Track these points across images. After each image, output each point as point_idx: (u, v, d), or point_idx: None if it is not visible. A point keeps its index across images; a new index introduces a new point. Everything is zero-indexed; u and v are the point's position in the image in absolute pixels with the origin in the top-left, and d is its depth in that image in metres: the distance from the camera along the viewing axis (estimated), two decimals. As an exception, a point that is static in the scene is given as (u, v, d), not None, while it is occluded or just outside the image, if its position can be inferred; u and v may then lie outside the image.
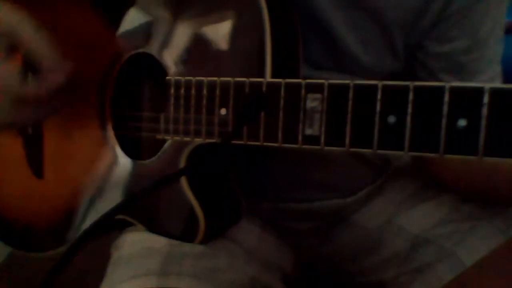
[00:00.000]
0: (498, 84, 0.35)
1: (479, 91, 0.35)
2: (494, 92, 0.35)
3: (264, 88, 0.43)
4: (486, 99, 0.35)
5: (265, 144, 0.44)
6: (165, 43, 0.51)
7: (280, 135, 0.43)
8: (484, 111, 0.35)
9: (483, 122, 0.35)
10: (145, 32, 0.52)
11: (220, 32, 0.47)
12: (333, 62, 0.54)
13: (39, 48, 0.47)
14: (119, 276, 0.50)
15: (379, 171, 0.65)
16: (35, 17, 0.47)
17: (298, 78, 0.48)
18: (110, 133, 0.56)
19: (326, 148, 0.41)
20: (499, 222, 0.56)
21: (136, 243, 0.54)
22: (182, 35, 0.49)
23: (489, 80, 0.57)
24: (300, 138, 0.42)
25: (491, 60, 0.56)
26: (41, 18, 0.48)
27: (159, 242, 0.52)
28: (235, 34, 0.47)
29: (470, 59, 0.55)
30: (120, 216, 0.55)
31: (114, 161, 0.55)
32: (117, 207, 0.54)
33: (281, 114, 0.43)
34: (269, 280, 0.58)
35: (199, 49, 0.48)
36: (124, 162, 0.55)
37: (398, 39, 0.53)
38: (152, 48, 0.51)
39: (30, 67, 0.48)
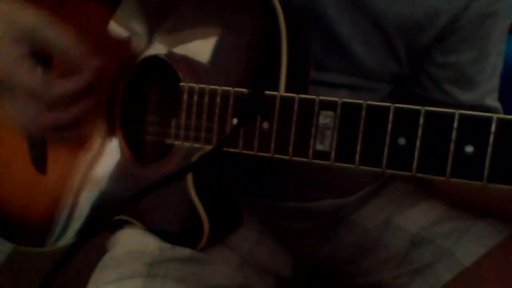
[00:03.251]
0: (505, 115, 0.37)
1: (487, 120, 0.37)
2: (501, 121, 0.36)
3: (277, 102, 0.45)
4: (493, 128, 0.36)
5: (275, 156, 0.45)
6: (179, 50, 0.52)
7: (291, 148, 0.44)
8: (491, 139, 0.37)
9: (489, 150, 0.37)
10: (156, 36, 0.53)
11: (233, 44, 0.48)
12: (335, 63, 0.55)
13: (67, 47, 0.46)
14: (106, 277, 0.50)
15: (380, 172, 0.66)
16: (52, 16, 0.47)
17: (307, 91, 0.50)
18: (118, 134, 0.56)
19: (336, 164, 0.42)
20: (496, 220, 0.57)
21: (129, 244, 0.54)
22: (196, 44, 0.50)
23: (489, 91, 0.59)
24: (310, 152, 0.44)
25: (492, 72, 0.58)
26: (57, 17, 0.48)
27: (151, 245, 0.53)
28: (249, 48, 0.48)
29: (475, 70, 0.56)
30: (123, 217, 0.56)
31: (121, 162, 0.56)
32: (118, 206, 0.55)
33: (293, 128, 0.44)
34: (261, 287, 0.59)
35: (211, 59, 0.49)
36: (130, 164, 0.56)
37: (400, 46, 0.54)
38: (167, 54, 0.52)
39: (52, 67, 0.48)
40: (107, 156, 0.57)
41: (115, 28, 0.56)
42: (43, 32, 0.46)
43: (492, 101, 0.59)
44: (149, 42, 0.53)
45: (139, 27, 0.54)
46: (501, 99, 0.60)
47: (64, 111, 0.48)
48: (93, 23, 0.57)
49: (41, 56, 0.47)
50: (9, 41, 0.45)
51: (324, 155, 0.43)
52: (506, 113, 0.59)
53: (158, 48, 0.53)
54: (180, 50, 0.51)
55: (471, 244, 0.55)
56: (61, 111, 0.48)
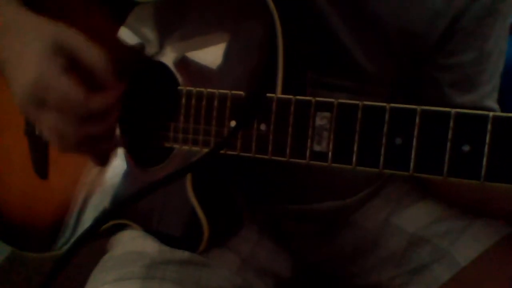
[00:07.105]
0: (501, 113, 0.36)
1: (483, 118, 0.37)
2: (497, 120, 0.36)
3: (274, 104, 0.45)
4: (489, 126, 0.36)
5: (273, 158, 0.45)
6: (178, 54, 0.52)
7: (288, 150, 0.44)
8: (488, 137, 0.36)
9: (486, 148, 0.36)
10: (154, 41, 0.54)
11: (230, 47, 0.49)
12: (335, 68, 0.55)
13: (98, 62, 0.46)
14: (104, 277, 0.50)
15: (378, 173, 0.66)
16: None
17: (305, 92, 0.50)
18: (118, 138, 0.57)
19: (333, 165, 0.42)
20: (493, 220, 0.57)
21: (129, 245, 0.54)
22: (191, 48, 0.51)
23: (489, 92, 0.58)
24: (308, 154, 0.44)
25: (494, 72, 0.58)
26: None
27: (151, 247, 0.53)
28: (246, 50, 0.48)
29: (476, 71, 0.56)
30: (123, 221, 0.56)
31: (120, 166, 0.56)
32: (117, 206, 0.56)
33: (290, 130, 0.44)
34: None
35: (209, 62, 0.50)
36: (130, 168, 0.56)
37: (401, 51, 0.54)
38: (166, 58, 0.52)
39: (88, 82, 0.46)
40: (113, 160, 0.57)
41: (126, 34, 0.56)
42: (79, 47, 0.46)
43: (491, 102, 0.59)
44: (160, 48, 0.53)
45: (150, 34, 0.54)
46: (500, 99, 0.59)
47: (101, 124, 0.48)
48: (104, 32, 0.57)
49: (76, 70, 0.46)
50: (48, 55, 0.45)
51: (321, 156, 0.43)
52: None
53: (166, 54, 0.53)
54: (181, 54, 0.52)
55: (468, 244, 0.55)
56: (98, 124, 0.48)
